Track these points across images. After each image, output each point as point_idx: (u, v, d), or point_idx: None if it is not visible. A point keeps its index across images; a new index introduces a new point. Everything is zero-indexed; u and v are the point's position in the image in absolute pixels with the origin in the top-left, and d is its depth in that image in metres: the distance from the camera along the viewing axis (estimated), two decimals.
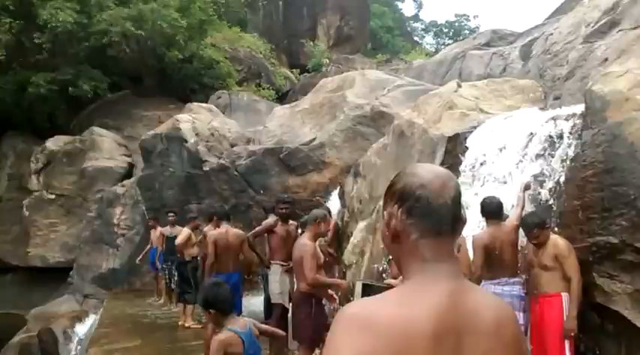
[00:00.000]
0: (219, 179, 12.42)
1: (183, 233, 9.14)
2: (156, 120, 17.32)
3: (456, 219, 1.38)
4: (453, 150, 6.89)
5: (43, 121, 18.52)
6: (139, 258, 11.85)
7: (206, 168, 12.54)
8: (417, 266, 1.37)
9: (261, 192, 11.91)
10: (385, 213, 1.42)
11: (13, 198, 16.78)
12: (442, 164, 6.60)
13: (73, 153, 16.13)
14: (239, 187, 12.30)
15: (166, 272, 10.01)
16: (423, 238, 1.36)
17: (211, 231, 7.73)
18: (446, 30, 44.41)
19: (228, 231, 7.33)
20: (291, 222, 7.10)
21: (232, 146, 13.29)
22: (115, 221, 13.52)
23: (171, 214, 10.45)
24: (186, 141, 12.93)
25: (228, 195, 12.25)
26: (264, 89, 21.92)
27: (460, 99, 8.03)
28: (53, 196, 15.91)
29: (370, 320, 1.27)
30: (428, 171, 1.40)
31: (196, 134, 13.06)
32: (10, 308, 15.26)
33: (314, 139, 12.13)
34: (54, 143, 16.43)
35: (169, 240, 9.88)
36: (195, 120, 13.55)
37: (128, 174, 15.66)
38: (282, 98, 22.33)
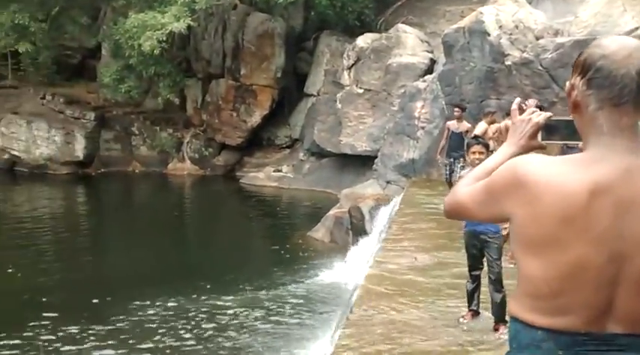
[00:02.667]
0: (521, 74, 11.94)
1: (479, 126, 9.19)
2: (458, 15, 17.15)
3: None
4: None
5: (354, 20, 19.91)
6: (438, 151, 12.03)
7: (508, 63, 12.14)
8: (593, 139, 1.36)
9: None
10: (568, 83, 1.41)
11: (329, 91, 18.75)
12: None
13: (379, 49, 17.13)
14: (542, 83, 11.68)
15: (447, 167, 10.14)
16: (601, 109, 1.33)
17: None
18: None
19: None
20: None
21: (538, 39, 12.50)
22: (416, 114, 14.19)
23: (457, 109, 10.44)
24: (488, 35, 12.61)
25: (529, 91, 11.74)
26: None
27: None
28: (362, 90, 17.31)
29: (528, 175, 1.38)
30: (614, 42, 1.36)
31: (499, 26, 12.61)
32: (325, 187, 17.60)
33: (636, 29, 10.68)
34: (363, 40, 17.63)
35: (454, 135, 9.98)
36: (499, 12, 13.03)
37: (429, 69, 16.06)
38: None
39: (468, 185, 1.63)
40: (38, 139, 20.51)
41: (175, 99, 21.04)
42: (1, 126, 20.61)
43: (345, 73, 17.85)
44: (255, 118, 20.88)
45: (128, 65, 20.10)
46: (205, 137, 21.60)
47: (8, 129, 20.59)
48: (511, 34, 12.53)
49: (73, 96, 22.41)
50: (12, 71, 23.76)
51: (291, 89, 21.35)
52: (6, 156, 20.64)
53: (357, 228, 11.55)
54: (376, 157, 15.24)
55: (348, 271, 9.35)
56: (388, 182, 14.25)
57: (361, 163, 16.92)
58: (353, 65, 17.66)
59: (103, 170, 21.13)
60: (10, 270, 10.03)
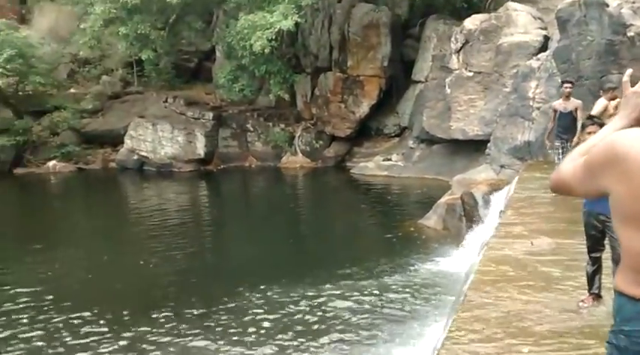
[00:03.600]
0: None
1: (598, 104, 8.70)
2: None
3: None
4: None
5: (461, 3, 19.42)
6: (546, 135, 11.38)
7: (630, 34, 11.32)
8: None
9: None
10: None
11: (437, 77, 18.46)
12: None
13: (488, 30, 16.60)
14: None
15: (558, 151, 9.45)
16: None
17: None
18: None
19: None
20: None
21: None
22: (530, 94, 13.65)
23: (568, 85, 9.78)
24: (607, 6, 11.82)
25: None
26: None
27: None
28: (471, 73, 16.88)
29: (627, 151, 1.40)
30: None
31: None
32: (436, 175, 17.41)
33: None
34: (471, 22, 17.17)
35: (562, 115, 9.41)
36: None
37: (543, 47, 15.34)
38: None
39: (573, 160, 1.65)
40: (163, 140, 22.00)
41: (286, 95, 21.68)
42: (130, 129, 22.34)
43: (454, 56, 17.49)
44: (364, 109, 21.04)
45: (241, 65, 21.01)
46: (316, 130, 22.09)
47: (136, 131, 22.27)
48: (633, 3, 11.69)
49: (192, 97, 23.79)
50: (137, 78, 25.66)
51: (399, 77, 21.26)
52: (135, 157, 22.35)
53: (470, 215, 11.34)
54: (489, 141, 14.84)
55: (462, 258, 9.25)
56: (502, 166, 13.84)
57: (473, 148, 16.54)
58: (461, 48, 17.26)
59: (222, 166, 22.28)
60: (141, 262, 10.88)
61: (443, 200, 12.61)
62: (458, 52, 17.37)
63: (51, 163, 22.58)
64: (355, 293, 8.61)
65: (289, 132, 22.30)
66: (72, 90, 25.77)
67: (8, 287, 9.50)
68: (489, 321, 4.69)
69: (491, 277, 5.78)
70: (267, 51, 18.38)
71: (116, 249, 12.28)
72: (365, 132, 21.82)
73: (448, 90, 17.37)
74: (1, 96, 23.70)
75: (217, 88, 23.32)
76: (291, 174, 21.30)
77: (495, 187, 12.03)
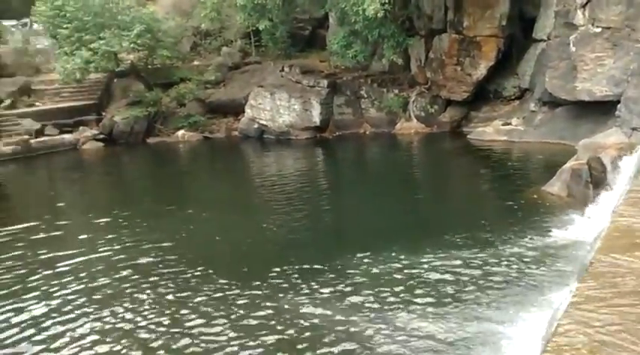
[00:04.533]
0: None
1: None
2: None
3: None
4: None
5: None
6: None
7: None
8: None
9: None
10: None
11: (560, 34, 17.46)
12: None
13: None
14: None
15: None
16: None
17: None
18: None
19: None
20: None
21: None
22: None
23: None
24: None
25: None
26: None
27: None
28: (599, 29, 15.82)
29: None
30: None
31: None
32: (560, 139, 16.67)
33: None
34: None
35: None
36: None
37: None
38: None
39: None
40: (281, 108, 22.74)
41: (399, 60, 21.49)
42: (250, 99, 23.29)
43: (579, 12, 16.46)
44: (481, 71, 20.41)
45: (354, 31, 21.07)
46: (430, 94, 21.79)
47: (256, 101, 23.18)
48: None
49: (307, 66, 24.26)
50: (255, 48, 26.57)
51: (518, 36, 20.36)
52: (256, 125, 23.32)
53: (598, 181, 10.84)
54: (618, 102, 13.96)
55: (589, 226, 8.94)
56: (634, 129, 13.00)
57: (601, 110, 15.61)
58: (587, 2, 16.20)
59: (337, 133, 22.68)
60: (263, 224, 11.53)
61: (568, 165, 12.11)
62: (584, 6, 16.31)
63: (180, 132, 24.16)
64: (476, 261, 8.64)
65: (403, 97, 22.17)
66: (195, 63, 27.24)
67: (145, 242, 10.59)
68: (615, 287, 4.62)
69: (620, 245, 5.62)
70: (380, 15, 18.30)
71: (240, 212, 13.09)
72: (482, 95, 21.19)
73: (573, 49, 16.42)
74: (133, 69, 25.56)
75: (331, 55, 23.58)
76: (406, 140, 21.26)
77: (625, 151, 11.36)
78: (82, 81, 24.92)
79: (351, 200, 14.11)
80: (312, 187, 15.38)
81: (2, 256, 10.34)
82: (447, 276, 8.18)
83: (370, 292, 7.83)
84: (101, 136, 24.50)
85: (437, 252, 9.06)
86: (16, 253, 10.49)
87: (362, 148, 21.87)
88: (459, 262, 8.64)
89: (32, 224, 12.48)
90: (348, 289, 8.00)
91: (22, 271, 9.50)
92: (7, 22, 31.73)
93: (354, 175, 17.83)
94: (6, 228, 12.28)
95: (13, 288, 8.76)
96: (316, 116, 22.47)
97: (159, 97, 24.92)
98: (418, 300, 7.49)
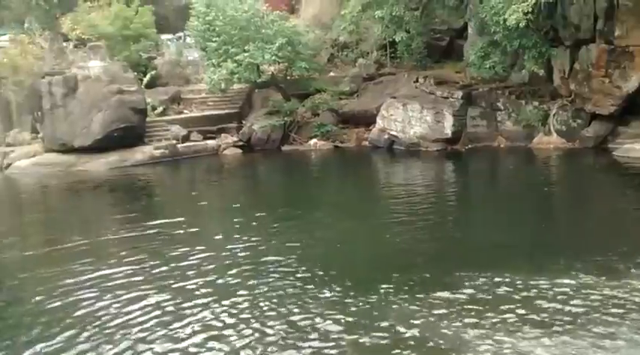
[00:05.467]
0: None
1: None
2: None
3: None
4: None
5: None
6: None
7: None
8: None
9: None
10: None
11: None
12: None
13: None
14: None
15: None
16: None
17: None
18: None
19: None
20: None
21: None
22: None
23: None
24: None
25: None
26: None
27: None
28: None
29: None
30: None
31: None
32: None
33: None
34: None
35: None
36: None
37: None
38: None
39: None
40: (412, 119, 22.58)
41: (541, 71, 20.47)
42: (382, 109, 23.38)
43: None
44: (632, 83, 18.87)
45: (493, 41, 20.44)
46: (573, 108, 20.50)
47: (388, 112, 23.22)
48: None
49: (442, 77, 23.92)
50: (390, 59, 26.68)
51: None
52: (386, 136, 23.35)
53: None
54: None
55: None
56: None
57: None
58: None
59: (469, 146, 22.05)
60: (387, 235, 11.46)
61: None
62: None
63: (312, 141, 24.87)
64: (619, 288, 7.92)
65: (543, 110, 21.08)
66: (331, 74, 27.94)
67: (271, 243, 11.05)
68: None
69: None
70: (521, 25, 17.58)
71: (364, 219, 13.15)
72: (633, 109, 19.52)
73: None
74: (273, 80, 26.75)
75: (468, 66, 23.04)
76: (544, 156, 20.14)
77: None
78: (226, 91, 26.54)
79: (479, 215, 13.65)
80: (439, 199, 15.09)
81: (143, 246, 11.33)
82: (568, 303, 7.58)
83: (487, 312, 7.46)
84: (240, 143, 25.91)
85: (564, 275, 8.46)
86: (155, 244, 11.42)
87: (496, 162, 21.07)
88: (586, 290, 7.96)
89: (175, 220, 13.51)
90: (464, 306, 7.70)
91: (157, 261, 10.28)
92: (164, 36, 34.72)
93: (486, 189, 17.21)
94: (151, 222, 13.43)
95: (147, 277, 9.52)
96: (448, 128, 22.02)
97: (295, 107, 25.86)
98: (537, 325, 7.04)
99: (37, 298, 8.78)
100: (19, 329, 7.70)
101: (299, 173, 21.42)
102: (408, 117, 22.65)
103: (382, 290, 8.30)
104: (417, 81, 23.87)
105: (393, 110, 23.09)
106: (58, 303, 8.51)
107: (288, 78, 26.99)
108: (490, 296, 7.96)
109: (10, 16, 40.50)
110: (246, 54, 24.34)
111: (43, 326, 7.68)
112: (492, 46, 20.80)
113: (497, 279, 8.46)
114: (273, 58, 24.53)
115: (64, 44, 31.72)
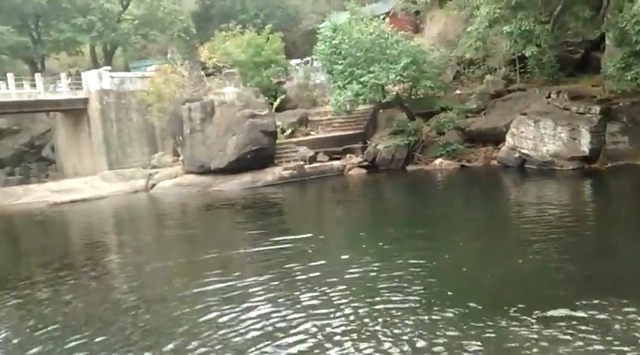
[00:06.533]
0: None
1: None
2: None
3: None
4: None
5: None
6: None
7: None
8: None
9: None
10: None
11: None
12: None
13: None
14: None
15: None
16: None
17: None
18: None
19: None
20: None
21: None
22: None
23: None
24: None
25: None
26: None
27: None
28: None
29: None
30: None
31: None
32: None
33: None
34: None
35: None
36: None
37: None
38: None
39: None
40: (545, 137, 21.52)
41: None
42: (512, 127, 22.53)
43: None
44: None
45: (635, 51, 19.04)
46: None
47: (518, 129, 22.34)
48: None
49: (577, 91, 22.64)
50: (519, 75, 25.74)
51: None
52: (516, 155, 22.45)
53: None
54: None
55: None
56: None
57: None
58: None
59: (610, 164, 20.57)
60: (520, 260, 10.87)
61: None
62: None
63: (437, 161, 24.53)
64: None
65: None
66: (457, 92, 27.49)
67: (398, 261, 10.88)
68: None
69: None
70: None
71: (492, 241, 12.63)
72: None
73: None
74: (397, 100, 26.82)
75: (606, 79, 21.60)
76: None
77: None
78: (351, 112, 27.06)
79: (623, 239, 12.57)
80: (577, 221, 14.12)
81: (269, 259, 11.87)
82: None
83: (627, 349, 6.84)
84: (365, 163, 26.21)
85: None
86: (280, 259, 11.84)
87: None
88: None
89: (301, 236, 13.93)
90: (605, 338, 7.10)
91: (278, 274, 10.61)
92: (293, 61, 36.18)
93: (631, 212, 15.85)
94: (279, 238, 13.95)
95: (267, 288, 9.85)
96: (585, 145, 20.71)
97: (420, 126, 25.71)
98: None
99: (168, 304, 9.48)
100: (149, 331, 8.30)
101: (425, 192, 21.17)
102: (540, 135, 21.64)
103: (515, 314, 7.90)
104: (549, 96, 22.78)
105: (524, 127, 22.17)
106: (187, 309, 9.14)
107: (413, 97, 26.94)
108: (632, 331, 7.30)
109: (156, 47, 44.45)
110: (371, 75, 24.68)
111: (167, 330, 8.24)
112: (634, 56, 19.37)
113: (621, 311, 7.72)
114: (398, 77, 24.63)
115: (202, 72, 34.17)
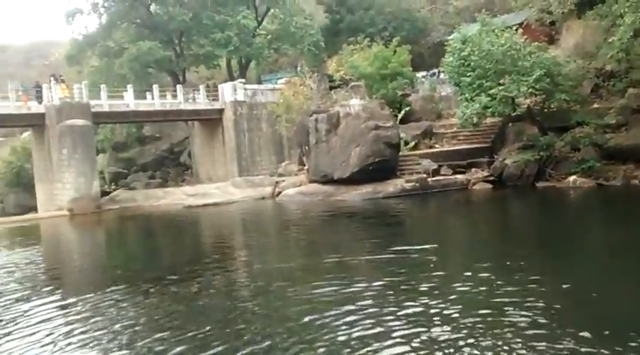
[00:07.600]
0: None
1: None
2: None
3: None
4: None
5: None
6: None
7: None
8: None
9: None
10: None
11: None
12: None
13: None
14: None
15: None
16: None
17: None
18: None
19: None
20: None
21: None
22: None
23: None
24: None
25: None
26: None
27: None
28: None
29: None
30: None
31: None
32: None
33: None
34: None
35: None
36: None
37: None
38: None
39: None
40: None
41: None
42: None
43: None
44: None
45: None
46: None
47: None
48: None
49: None
50: None
51: None
52: None
53: None
54: None
55: None
56: None
57: None
58: None
59: None
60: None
61: None
62: None
63: (571, 178, 23.14)
64: None
65: None
66: (595, 105, 25.82)
67: (520, 276, 10.35)
68: None
69: None
70: None
71: (633, 270, 11.66)
72: None
73: None
74: (528, 114, 25.73)
75: None
76: None
77: None
78: (478, 125, 26.33)
79: None
80: None
81: (383, 267, 11.91)
82: None
83: None
84: (491, 178, 25.37)
85: None
86: (392, 267, 11.81)
87: None
88: None
89: (418, 247, 13.78)
90: None
91: (389, 282, 10.55)
92: (419, 74, 35.99)
93: None
94: (395, 248, 13.88)
95: (376, 294, 9.81)
96: None
97: (552, 142, 24.45)
98: None
99: (279, 303, 9.85)
100: (253, 327, 8.59)
101: (556, 211, 20.00)
102: None
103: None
104: None
105: None
106: (296, 309, 9.40)
107: (546, 110, 25.72)
108: None
109: (287, 61, 46.22)
110: (501, 87, 23.94)
111: (271, 327, 8.48)
112: None
113: None
114: (530, 90, 23.66)
115: (329, 84, 35.02)
